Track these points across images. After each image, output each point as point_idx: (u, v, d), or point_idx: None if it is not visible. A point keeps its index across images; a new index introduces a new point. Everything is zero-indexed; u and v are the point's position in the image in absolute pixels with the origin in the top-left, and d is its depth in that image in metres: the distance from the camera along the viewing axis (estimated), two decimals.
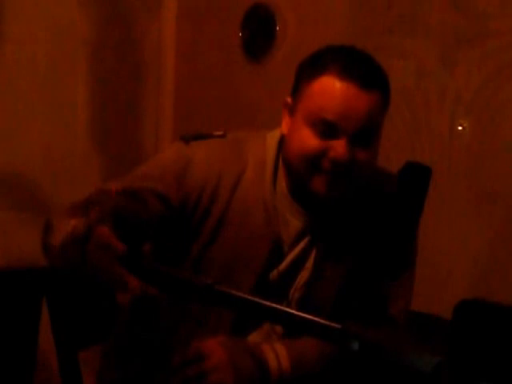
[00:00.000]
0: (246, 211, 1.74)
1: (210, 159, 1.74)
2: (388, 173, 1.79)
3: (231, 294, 1.32)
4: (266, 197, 1.75)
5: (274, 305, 1.29)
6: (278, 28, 3.03)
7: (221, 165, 1.74)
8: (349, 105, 1.63)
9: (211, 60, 3.24)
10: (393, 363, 1.20)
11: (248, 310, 1.36)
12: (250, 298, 1.31)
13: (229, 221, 1.73)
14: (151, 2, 3.26)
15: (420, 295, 1.93)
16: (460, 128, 2.58)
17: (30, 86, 2.86)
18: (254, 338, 1.78)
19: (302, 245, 1.78)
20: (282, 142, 1.77)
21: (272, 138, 1.79)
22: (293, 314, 1.28)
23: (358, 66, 1.65)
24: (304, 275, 1.79)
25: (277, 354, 1.69)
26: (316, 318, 1.25)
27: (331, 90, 1.64)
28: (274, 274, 1.77)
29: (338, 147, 1.64)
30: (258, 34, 3.09)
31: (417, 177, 1.58)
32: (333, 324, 1.22)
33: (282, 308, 1.30)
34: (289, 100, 1.74)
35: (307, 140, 1.66)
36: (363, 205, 1.76)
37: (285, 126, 1.74)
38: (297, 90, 1.72)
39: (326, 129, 1.64)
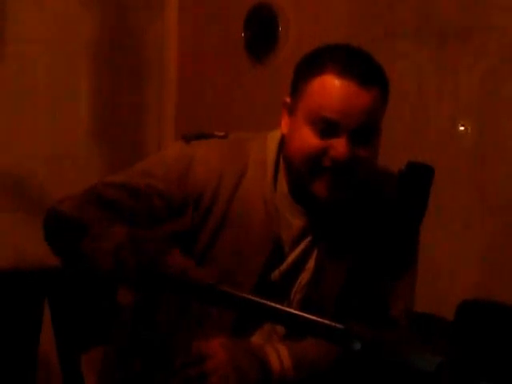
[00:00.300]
0: (247, 211, 1.74)
1: (211, 159, 1.74)
2: (389, 172, 1.78)
3: (233, 294, 1.32)
4: (267, 197, 1.75)
5: (276, 305, 1.29)
6: (280, 28, 3.02)
7: (222, 165, 1.74)
8: (348, 102, 1.63)
9: (213, 60, 3.24)
10: (395, 363, 1.20)
11: (250, 310, 1.36)
12: (252, 298, 1.31)
13: (230, 221, 1.73)
14: (153, 2, 3.26)
15: (423, 296, 1.92)
16: (461, 128, 2.57)
17: (31, 86, 2.86)
18: (255, 338, 1.77)
19: (302, 245, 1.77)
20: (282, 142, 1.77)
21: (272, 138, 1.79)
22: (295, 314, 1.28)
23: (356, 63, 1.65)
24: (305, 276, 1.78)
25: (279, 354, 1.68)
26: (318, 319, 1.25)
27: (331, 89, 1.64)
28: (275, 274, 1.76)
29: (339, 145, 1.63)
30: (261, 34, 3.08)
31: (419, 176, 1.57)
32: (335, 324, 1.22)
33: (284, 308, 1.30)
34: (288, 100, 1.73)
35: (307, 139, 1.66)
36: (364, 204, 1.76)
37: (284, 126, 1.74)
38: (296, 90, 1.71)
39: (326, 127, 1.64)
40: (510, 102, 2.49)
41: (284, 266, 1.77)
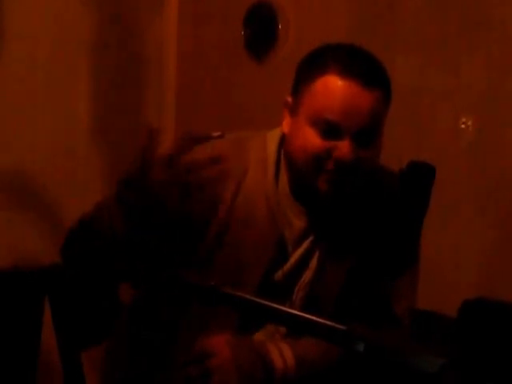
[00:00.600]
0: (250, 211, 1.74)
1: None
2: (390, 171, 1.78)
3: (236, 296, 1.32)
4: (269, 196, 1.74)
5: (279, 306, 1.29)
6: (280, 27, 3.02)
7: (223, 166, 1.73)
8: (351, 104, 1.63)
9: (213, 59, 3.23)
10: (398, 364, 1.20)
11: (252, 311, 1.35)
12: (254, 299, 1.30)
13: (233, 222, 1.73)
14: (153, 0, 3.25)
15: (425, 294, 1.93)
16: (463, 126, 2.57)
17: (31, 85, 2.85)
18: (257, 337, 1.77)
19: (305, 244, 1.77)
20: (282, 141, 1.76)
21: (272, 137, 1.79)
22: (297, 315, 1.28)
23: (359, 64, 1.65)
24: (308, 274, 1.79)
25: (282, 352, 1.68)
26: (320, 320, 1.24)
27: (333, 90, 1.64)
28: (278, 274, 1.77)
29: (342, 147, 1.63)
30: (260, 32, 3.07)
31: (421, 176, 1.57)
32: (338, 325, 1.22)
33: (287, 309, 1.30)
34: (289, 99, 1.73)
35: (310, 139, 1.65)
36: (366, 203, 1.76)
37: (286, 126, 1.73)
38: (297, 90, 1.71)
39: (329, 129, 1.64)
40: None
41: (287, 265, 1.77)
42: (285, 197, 1.75)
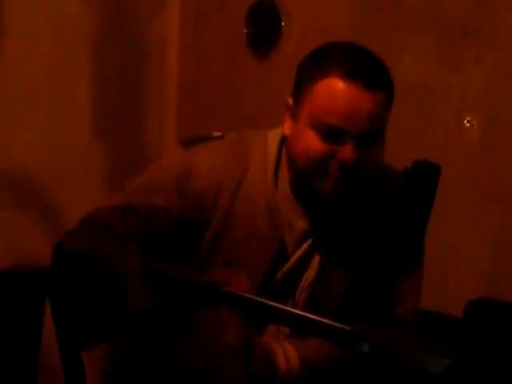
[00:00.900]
0: (250, 212, 1.72)
1: (211, 164, 1.72)
2: (394, 170, 1.76)
3: (237, 295, 1.31)
4: (268, 197, 1.73)
5: (283, 306, 1.28)
6: (283, 24, 3.00)
7: (222, 167, 1.72)
8: (354, 108, 1.60)
9: (215, 56, 3.23)
10: (403, 365, 1.19)
11: (255, 310, 1.35)
12: (259, 299, 1.30)
13: (233, 222, 1.71)
14: None
15: (430, 294, 1.91)
16: (467, 124, 2.56)
17: (31, 82, 2.84)
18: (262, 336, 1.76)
19: (306, 245, 1.75)
20: (283, 141, 1.75)
21: (273, 137, 1.77)
22: (302, 315, 1.27)
23: (361, 66, 1.61)
24: (310, 275, 1.76)
25: (285, 352, 1.67)
26: (325, 320, 1.24)
27: (335, 94, 1.60)
28: (279, 274, 1.75)
29: (346, 151, 1.61)
30: (263, 29, 3.06)
31: (426, 175, 1.56)
32: (342, 326, 1.21)
33: (291, 309, 1.30)
34: (290, 101, 1.70)
35: (313, 144, 1.63)
36: (369, 203, 1.74)
37: (287, 128, 1.71)
38: (298, 92, 1.67)
39: (332, 133, 1.61)
40: None
41: (288, 266, 1.75)
42: (285, 197, 1.74)
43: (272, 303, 1.29)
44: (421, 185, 1.56)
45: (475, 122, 2.55)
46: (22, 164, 2.81)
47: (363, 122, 1.60)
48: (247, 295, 1.31)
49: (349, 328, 1.20)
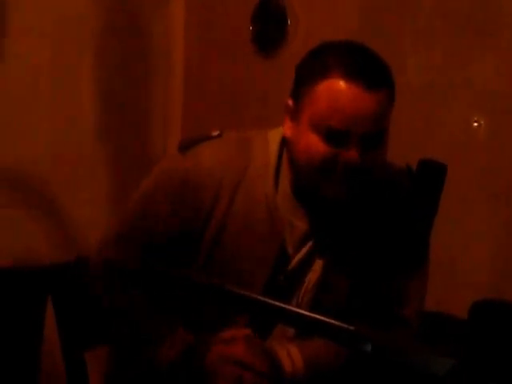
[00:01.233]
0: (250, 211, 1.71)
1: (209, 163, 1.71)
2: (397, 169, 1.74)
3: (242, 295, 1.30)
4: (269, 197, 1.71)
5: (286, 306, 1.28)
6: (289, 22, 2.99)
7: (223, 165, 1.71)
8: (357, 110, 1.57)
9: (221, 53, 3.22)
10: (406, 366, 1.18)
11: (260, 310, 1.35)
12: (262, 298, 1.29)
13: (232, 221, 1.70)
14: None
15: (435, 295, 1.91)
16: (475, 125, 2.55)
17: (34, 82, 2.84)
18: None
19: (307, 247, 1.74)
20: (283, 142, 1.73)
21: (273, 137, 1.75)
22: (305, 315, 1.27)
23: (361, 65, 1.59)
24: (313, 277, 1.75)
25: (290, 355, 1.67)
26: (328, 320, 1.23)
27: (337, 96, 1.58)
28: (281, 277, 1.73)
29: (350, 154, 1.59)
30: (269, 27, 3.05)
31: (432, 175, 1.54)
32: (345, 326, 1.20)
33: (294, 309, 1.30)
34: (290, 102, 1.67)
35: (315, 147, 1.60)
36: (373, 203, 1.72)
37: (287, 130, 1.68)
38: (298, 94, 1.65)
39: (335, 135, 1.59)
40: None
41: (289, 268, 1.74)
42: (286, 199, 1.72)
43: (275, 302, 1.28)
44: (426, 184, 1.54)
45: (482, 122, 2.53)
46: (24, 163, 2.81)
47: (366, 122, 1.58)
48: (252, 295, 1.30)
49: (352, 328, 1.19)
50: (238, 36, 3.13)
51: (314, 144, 1.60)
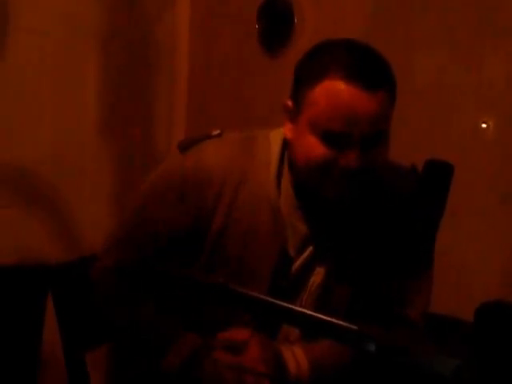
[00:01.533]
0: (252, 214, 1.69)
1: (212, 164, 1.70)
2: (401, 168, 1.72)
3: (246, 295, 1.29)
4: (272, 199, 1.69)
5: (290, 306, 1.27)
6: (295, 20, 2.98)
7: (222, 168, 1.69)
8: (357, 112, 1.54)
9: (226, 52, 3.22)
10: (410, 366, 1.17)
11: (263, 310, 1.34)
12: (266, 298, 1.28)
13: (235, 219, 1.69)
14: None
15: (442, 297, 1.90)
16: (484, 126, 2.54)
17: (37, 79, 2.85)
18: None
19: (310, 249, 1.72)
20: (285, 143, 1.71)
21: (275, 138, 1.73)
22: (308, 314, 1.26)
23: (360, 65, 1.55)
24: (316, 279, 1.74)
25: (295, 355, 1.67)
26: (332, 320, 1.22)
27: (336, 99, 1.54)
28: (283, 278, 1.72)
29: (350, 156, 1.56)
30: (275, 26, 3.04)
31: (439, 175, 1.53)
32: (349, 325, 1.19)
33: (298, 309, 1.29)
34: (289, 103, 1.65)
35: (314, 149, 1.58)
36: (376, 203, 1.70)
37: (288, 132, 1.66)
38: (297, 95, 1.62)
39: (335, 138, 1.56)
40: None
41: (292, 270, 1.72)
42: (288, 200, 1.70)
43: (279, 302, 1.27)
44: (433, 185, 1.53)
45: (491, 123, 2.52)
46: (27, 162, 2.81)
47: (367, 124, 1.55)
48: (257, 295, 1.29)
49: (355, 327, 1.18)
50: (243, 34, 3.13)
51: (313, 146, 1.58)
